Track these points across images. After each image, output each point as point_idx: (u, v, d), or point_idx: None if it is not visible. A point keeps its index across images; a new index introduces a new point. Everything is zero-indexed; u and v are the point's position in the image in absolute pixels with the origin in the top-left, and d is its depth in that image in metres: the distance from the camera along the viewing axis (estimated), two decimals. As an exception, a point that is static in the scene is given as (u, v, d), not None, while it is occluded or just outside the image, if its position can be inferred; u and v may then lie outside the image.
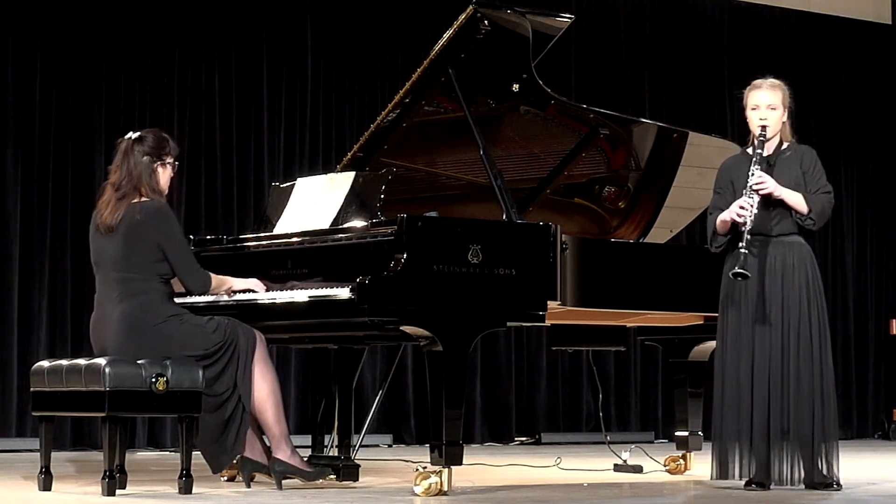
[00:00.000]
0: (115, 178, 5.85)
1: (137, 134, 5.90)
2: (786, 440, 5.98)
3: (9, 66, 9.07)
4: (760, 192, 6.00)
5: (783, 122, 6.17)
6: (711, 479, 6.15)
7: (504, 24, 6.25)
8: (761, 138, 6.09)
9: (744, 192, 6.02)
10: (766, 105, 6.12)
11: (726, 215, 6.08)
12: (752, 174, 6.01)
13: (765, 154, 6.10)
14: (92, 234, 5.89)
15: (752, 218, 5.98)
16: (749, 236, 5.97)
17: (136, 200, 5.79)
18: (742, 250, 5.95)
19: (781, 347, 6.01)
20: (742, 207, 6.00)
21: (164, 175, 5.89)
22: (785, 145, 6.20)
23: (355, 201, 6.07)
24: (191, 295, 6.03)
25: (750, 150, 6.18)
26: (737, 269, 5.93)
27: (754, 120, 6.14)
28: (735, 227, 6.07)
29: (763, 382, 6.00)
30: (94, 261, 5.89)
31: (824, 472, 5.99)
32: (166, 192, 5.92)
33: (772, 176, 6.06)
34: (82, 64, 9.27)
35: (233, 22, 9.75)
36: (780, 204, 6.06)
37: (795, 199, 6.05)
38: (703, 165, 7.02)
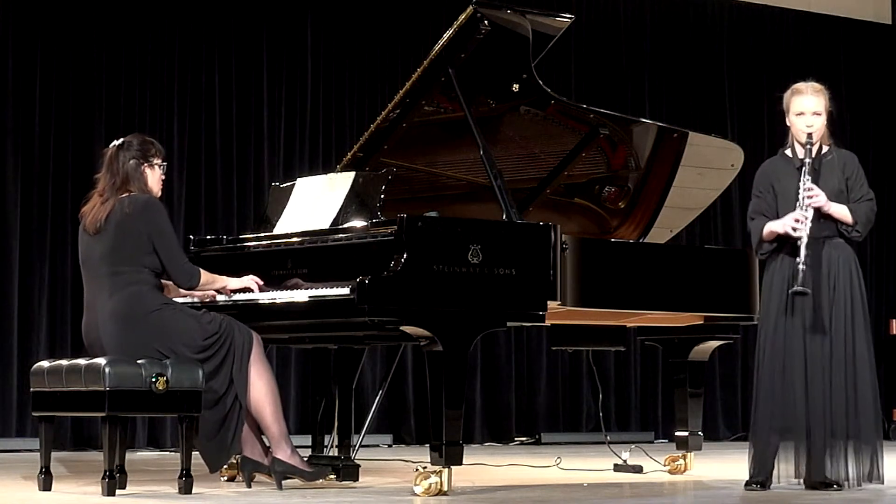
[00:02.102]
0: (101, 186, 5.84)
1: (121, 140, 5.88)
2: (831, 439, 5.96)
3: (9, 66, 9.07)
4: (813, 205, 5.93)
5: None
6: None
7: (504, 24, 6.25)
8: (808, 146, 5.99)
9: (797, 204, 5.94)
10: (812, 111, 6.04)
11: (779, 228, 5.99)
12: (804, 185, 5.93)
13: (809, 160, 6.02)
14: (80, 234, 5.87)
15: (808, 231, 5.91)
16: (807, 251, 5.89)
17: (124, 195, 5.78)
18: (801, 266, 5.87)
19: (831, 349, 5.98)
20: (797, 220, 5.92)
21: (153, 177, 5.87)
22: (825, 149, 6.11)
23: (355, 201, 6.07)
24: (179, 288, 5.97)
25: (788, 153, 6.11)
26: (797, 288, 5.86)
27: (799, 126, 6.04)
28: (782, 238, 6.01)
29: (815, 383, 5.95)
30: (82, 260, 5.87)
31: (871, 473, 5.99)
32: (158, 194, 5.91)
33: (817, 182, 5.99)
34: (82, 64, 9.27)
35: (233, 22, 9.75)
36: (826, 214, 6.00)
37: (843, 213, 5.99)
38: (703, 165, 7.02)
